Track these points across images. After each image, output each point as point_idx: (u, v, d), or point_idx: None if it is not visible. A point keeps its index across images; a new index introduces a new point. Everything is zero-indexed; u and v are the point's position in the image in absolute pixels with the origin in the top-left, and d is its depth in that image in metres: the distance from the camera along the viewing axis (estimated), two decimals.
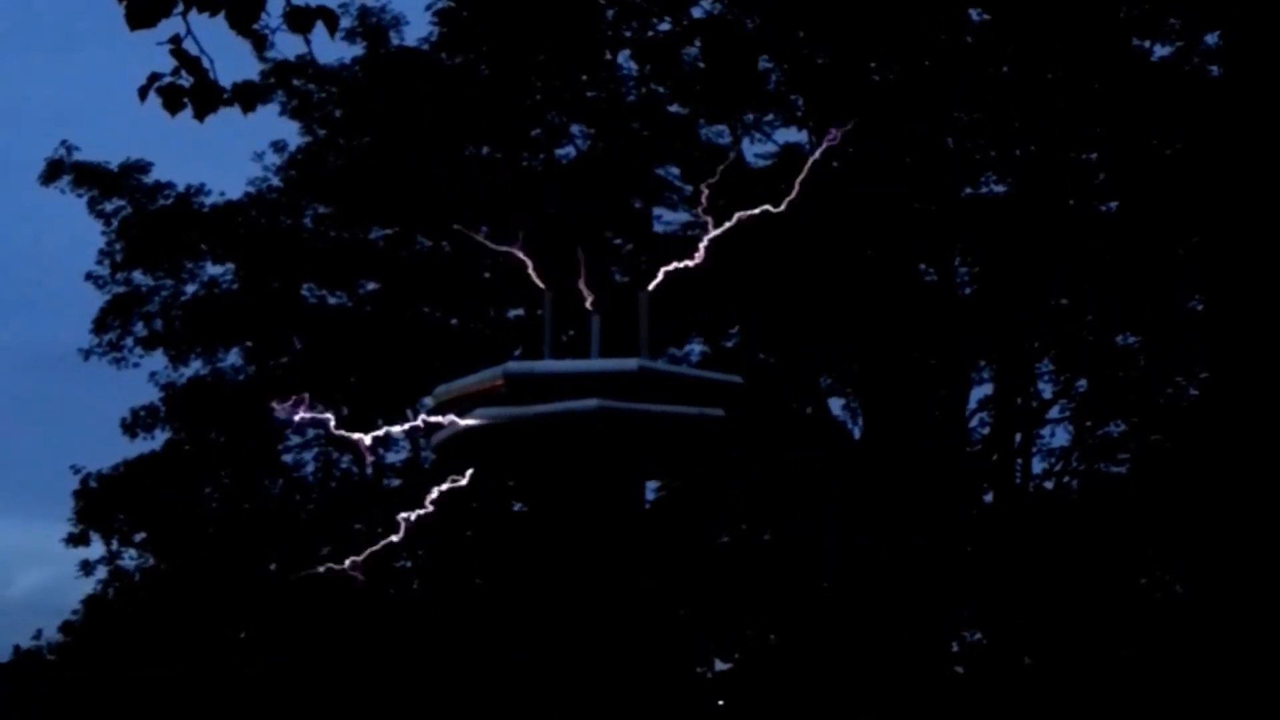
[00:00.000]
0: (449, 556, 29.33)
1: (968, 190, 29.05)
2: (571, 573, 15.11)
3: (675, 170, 29.85)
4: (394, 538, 14.95)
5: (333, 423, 14.66)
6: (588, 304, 15.33)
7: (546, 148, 30.77)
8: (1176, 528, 26.51)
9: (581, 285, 15.36)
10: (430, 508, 14.87)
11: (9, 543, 63.40)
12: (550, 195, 29.25)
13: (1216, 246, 27.07)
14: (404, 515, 14.88)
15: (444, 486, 14.91)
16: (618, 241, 30.16)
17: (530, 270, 15.52)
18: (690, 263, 15.14)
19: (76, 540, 30.45)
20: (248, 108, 8.46)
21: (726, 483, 27.46)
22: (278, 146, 31.07)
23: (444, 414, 15.10)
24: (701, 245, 15.24)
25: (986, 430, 28.64)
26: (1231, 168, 26.70)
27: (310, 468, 31.30)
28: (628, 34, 29.94)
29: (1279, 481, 24.96)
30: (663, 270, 15.03)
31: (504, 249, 15.73)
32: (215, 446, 30.97)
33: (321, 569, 15.31)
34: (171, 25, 8.11)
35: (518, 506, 29.18)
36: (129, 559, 30.80)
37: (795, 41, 29.04)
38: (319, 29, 8.23)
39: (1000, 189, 29.01)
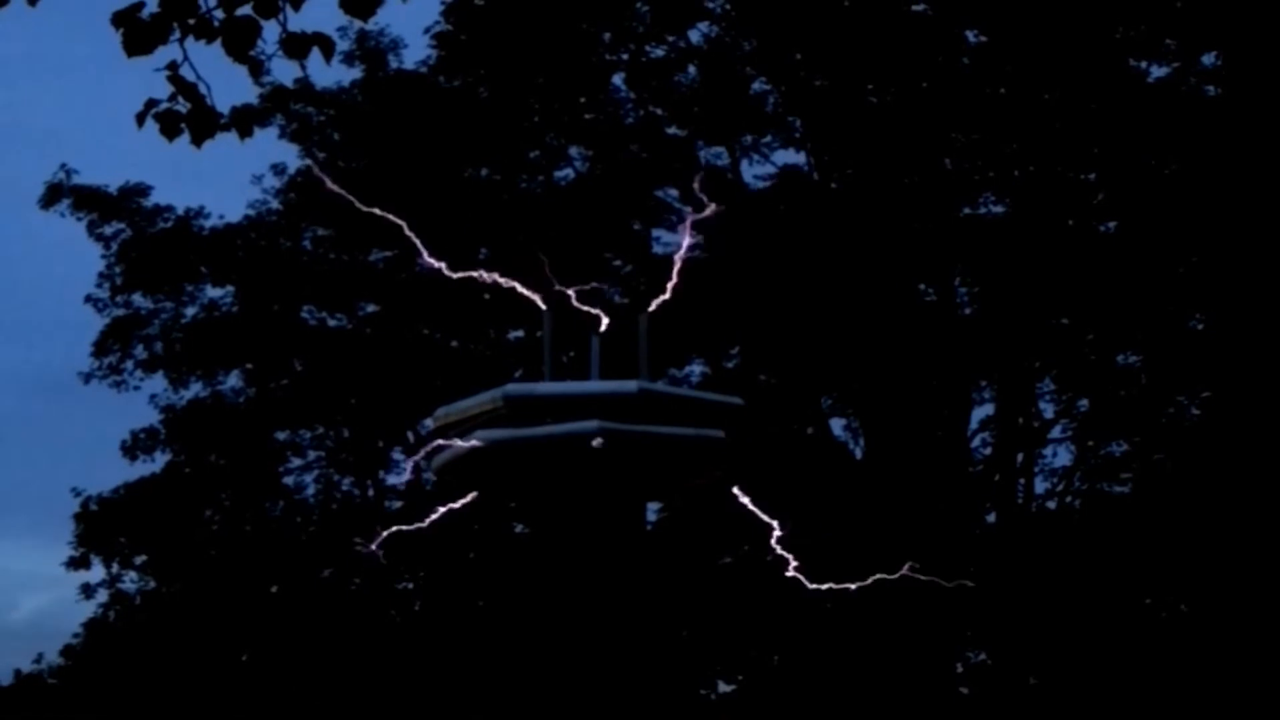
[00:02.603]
0: (450, 578, 29.27)
1: (967, 210, 29.05)
2: (573, 594, 15.07)
3: (674, 192, 29.86)
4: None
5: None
6: (587, 326, 15.31)
7: (545, 170, 30.77)
8: (1180, 547, 26.45)
9: (581, 307, 15.34)
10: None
11: (10, 566, 63.32)
12: (549, 217, 29.22)
13: (1218, 264, 27.06)
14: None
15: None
16: (617, 263, 30.15)
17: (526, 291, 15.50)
18: (685, 241, 15.14)
19: (77, 563, 30.37)
20: (245, 133, 8.44)
21: (727, 503, 27.37)
22: (277, 169, 31.08)
23: (444, 436, 15.08)
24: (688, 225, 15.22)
25: (988, 450, 28.62)
26: (1230, 186, 26.70)
27: (311, 490, 31.29)
28: (624, 57, 29.94)
29: None
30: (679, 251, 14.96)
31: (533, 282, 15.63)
32: (215, 469, 30.91)
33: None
34: (169, 52, 8.11)
35: (519, 528, 29.14)
36: (130, 582, 30.73)
37: (792, 64, 29.05)
38: (315, 54, 8.22)
39: (999, 209, 29.02)
